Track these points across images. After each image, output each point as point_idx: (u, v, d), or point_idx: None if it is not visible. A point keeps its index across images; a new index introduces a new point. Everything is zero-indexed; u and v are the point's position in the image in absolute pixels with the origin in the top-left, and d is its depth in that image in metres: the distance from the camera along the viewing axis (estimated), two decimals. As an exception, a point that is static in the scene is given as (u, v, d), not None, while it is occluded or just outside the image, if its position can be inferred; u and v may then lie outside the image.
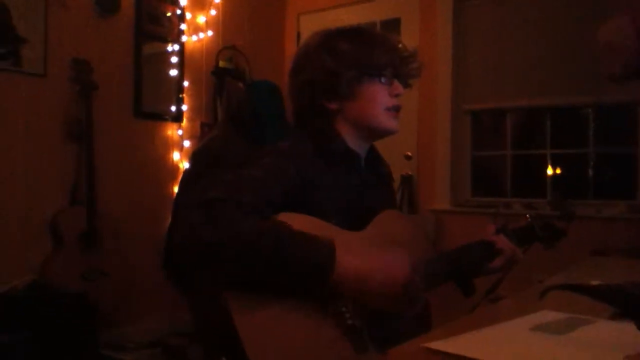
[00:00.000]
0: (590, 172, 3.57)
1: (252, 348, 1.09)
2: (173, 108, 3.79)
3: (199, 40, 3.96)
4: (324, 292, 1.18)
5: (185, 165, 3.76)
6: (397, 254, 1.23)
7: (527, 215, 1.75)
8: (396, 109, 1.45)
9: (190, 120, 3.89)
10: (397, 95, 1.44)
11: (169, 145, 3.78)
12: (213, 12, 4.02)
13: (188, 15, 3.88)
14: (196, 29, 3.94)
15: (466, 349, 0.71)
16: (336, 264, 1.14)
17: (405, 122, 3.77)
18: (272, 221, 1.19)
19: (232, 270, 1.14)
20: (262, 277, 1.14)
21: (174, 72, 3.78)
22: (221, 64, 4.02)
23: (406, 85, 1.49)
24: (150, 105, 3.66)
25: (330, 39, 1.44)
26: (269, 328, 1.13)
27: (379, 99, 1.42)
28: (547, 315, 0.89)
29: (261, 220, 1.18)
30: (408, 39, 1.53)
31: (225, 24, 4.09)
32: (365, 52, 1.41)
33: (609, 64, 1.93)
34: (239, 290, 1.14)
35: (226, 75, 4.00)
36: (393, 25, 4.03)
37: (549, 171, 3.65)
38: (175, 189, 3.63)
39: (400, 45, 1.47)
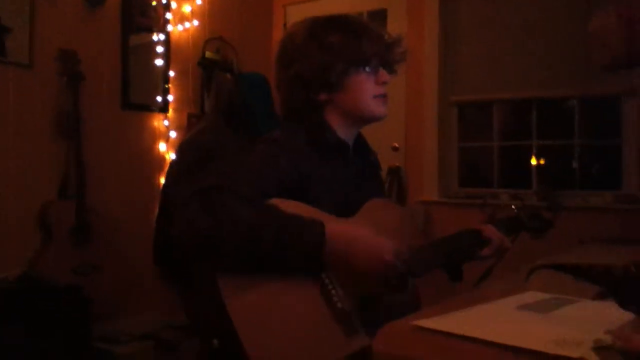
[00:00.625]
0: (576, 163, 3.60)
1: (244, 332, 1.11)
2: (159, 98, 3.76)
3: (185, 29, 3.93)
4: (317, 259, 1.20)
5: (171, 156, 3.74)
6: (384, 239, 1.26)
7: (513, 206, 1.78)
8: (383, 96, 1.47)
9: (176, 110, 3.87)
10: (383, 83, 1.46)
11: (155, 136, 3.77)
12: (199, 1, 4.00)
13: (173, 5, 3.86)
14: (182, 19, 3.92)
15: (454, 326, 0.72)
16: (327, 229, 1.19)
17: (393, 114, 3.76)
18: (266, 206, 1.20)
19: (232, 258, 1.15)
20: (260, 262, 1.16)
21: (159, 62, 3.75)
22: (208, 54, 4.00)
23: (392, 71, 1.51)
24: (136, 96, 3.64)
25: (318, 31, 1.44)
26: (260, 312, 1.15)
27: (365, 88, 1.44)
28: (533, 296, 0.91)
29: (257, 208, 1.19)
30: (394, 30, 1.53)
31: (211, 14, 4.07)
32: (353, 43, 1.42)
33: (599, 55, 1.96)
34: (231, 275, 1.15)
35: (213, 67, 3.98)
36: (379, 16, 4.03)
37: (534, 162, 3.68)
38: (162, 180, 3.61)
39: (384, 33, 1.48)
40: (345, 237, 1.22)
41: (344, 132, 1.47)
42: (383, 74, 1.46)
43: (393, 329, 0.76)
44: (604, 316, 0.76)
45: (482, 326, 0.74)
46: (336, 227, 1.21)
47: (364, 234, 1.25)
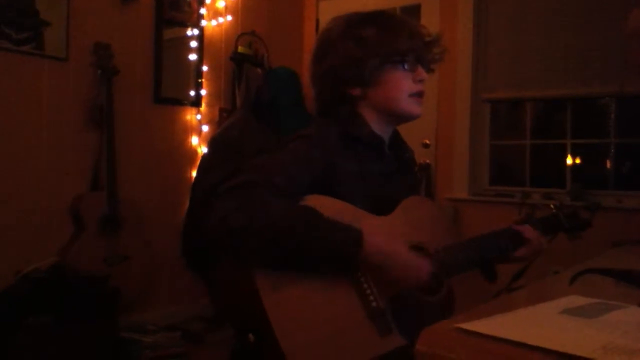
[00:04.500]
0: (611, 163, 3.53)
1: (279, 327, 1.11)
2: (192, 93, 3.80)
3: (219, 25, 3.96)
4: (352, 269, 1.21)
5: (203, 150, 3.78)
6: (420, 259, 1.27)
7: (552, 206, 1.75)
8: (420, 95, 1.45)
9: (208, 105, 3.90)
10: (420, 81, 1.44)
11: (187, 130, 3.80)
12: (232, -4, 4.03)
13: (207, 0, 3.89)
14: (215, 14, 3.95)
15: (498, 329, 0.71)
16: (364, 243, 1.18)
17: (424, 110, 3.70)
18: (302, 205, 1.20)
19: (266, 252, 1.16)
20: (293, 258, 1.16)
21: (193, 57, 3.79)
22: (240, 49, 4.03)
23: (429, 69, 1.49)
24: (169, 90, 3.68)
25: (354, 25, 1.43)
26: (296, 308, 1.15)
27: (402, 85, 1.42)
28: (576, 300, 0.89)
29: (292, 204, 1.19)
30: (428, 26, 1.51)
31: (244, 9, 4.10)
32: (388, 38, 1.40)
33: (636, 52, 1.90)
34: (268, 272, 1.16)
35: (245, 61, 4.00)
36: (413, 11, 4.00)
37: (569, 161, 3.62)
38: (194, 174, 3.65)
39: (422, 30, 1.46)
40: (381, 252, 1.21)
41: (378, 127, 1.46)
42: (420, 71, 1.44)
43: (437, 330, 0.75)
44: (653, 323, 0.74)
45: (526, 330, 0.73)
46: (374, 239, 1.20)
47: (399, 250, 1.25)
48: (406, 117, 1.47)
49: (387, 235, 1.25)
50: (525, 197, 3.35)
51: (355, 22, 1.44)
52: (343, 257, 1.18)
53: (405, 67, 1.41)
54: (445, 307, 1.36)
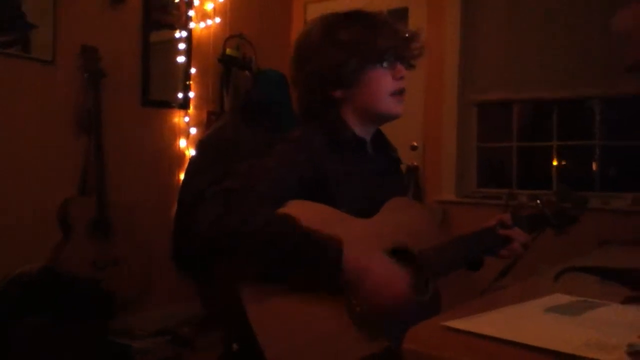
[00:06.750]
0: (597, 165, 3.56)
1: (263, 336, 1.11)
2: (180, 95, 3.79)
3: (207, 27, 3.96)
4: (333, 285, 1.19)
5: (191, 152, 3.77)
6: (398, 276, 1.23)
7: (538, 201, 1.76)
8: (400, 92, 1.46)
9: (196, 107, 3.90)
10: (400, 78, 1.45)
11: (175, 132, 3.79)
12: (221, -2, 4.03)
13: (196, 2, 3.88)
14: (204, 16, 3.95)
15: (484, 327, 0.72)
16: (343, 265, 1.16)
17: (411, 113, 3.76)
18: (285, 216, 1.19)
19: (250, 259, 1.16)
20: (276, 268, 1.16)
21: (181, 59, 3.78)
22: (228, 51, 4.03)
23: (409, 66, 1.49)
24: (157, 92, 3.67)
25: (332, 27, 1.43)
26: (280, 316, 1.14)
27: (383, 84, 1.43)
28: (561, 298, 0.90)
29: (276, 213, 1.19)
30: (415, 28, 1.52)
31: (232, 12, 4.09)
32: (366, 38, 1.40)
33: (624, 53, 1.92)
34: (252, 281, 1.15)
35: (233, 64, 4.00)
36: (400, 14, 4.01)
37: (555, 163, 3.65)
38: (182, 177, 3.64)
39: (400, 27, 1.47)
40: (357, 269, 1.18)
41: (360, 129, 1.47)
42: (400, 68, 1.44)
43: (423, 328, 0.76)
44: (635, 320, 0.75)
45: (512, 328, 0.74)
46: (350, 255, 1.16)
47: (374, 266, 1.20)
48: (387, 117, 1.47)
49: (368, 245, 1.23)
50: (511, 199, 3.37)
51: (333, 24, 1.44)
52: (323, 280, 1.17)
53: (385, 65, 1.42)
54: (431, 306, 1.36)
